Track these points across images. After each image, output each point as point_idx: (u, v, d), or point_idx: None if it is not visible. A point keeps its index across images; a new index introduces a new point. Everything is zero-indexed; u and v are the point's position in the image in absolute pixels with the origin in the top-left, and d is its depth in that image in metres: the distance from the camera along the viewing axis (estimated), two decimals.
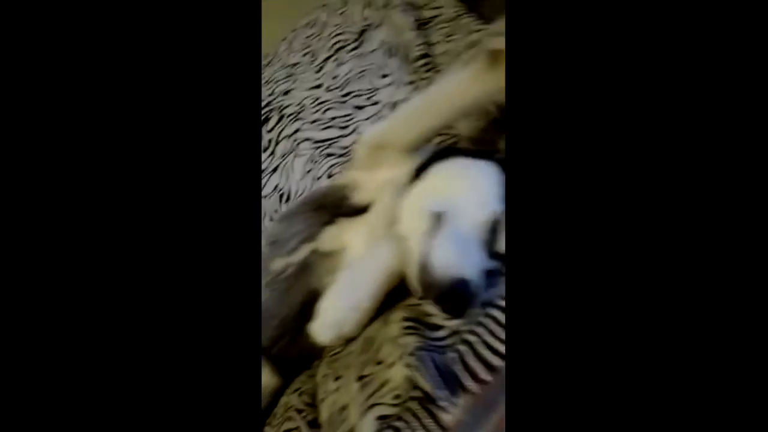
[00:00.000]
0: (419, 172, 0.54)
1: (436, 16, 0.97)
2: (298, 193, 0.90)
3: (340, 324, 0.47)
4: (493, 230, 0.45)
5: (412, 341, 0.43)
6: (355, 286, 0.49)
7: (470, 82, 0.54)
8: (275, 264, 0.62)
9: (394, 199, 0.55)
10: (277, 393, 0.64)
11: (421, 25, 0.96)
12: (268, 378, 0.62)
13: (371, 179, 0.61)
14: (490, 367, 0.39)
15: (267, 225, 0.87)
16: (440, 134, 0.67)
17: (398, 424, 0.40)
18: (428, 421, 0.38)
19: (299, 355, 0.62)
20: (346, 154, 0.87)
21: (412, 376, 0.40)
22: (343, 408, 0.47)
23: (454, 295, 0.40)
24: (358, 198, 0.61)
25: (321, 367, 0.59)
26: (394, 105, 0.87)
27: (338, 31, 1.11)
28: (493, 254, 0.44)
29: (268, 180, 0.97)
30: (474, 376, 0.39)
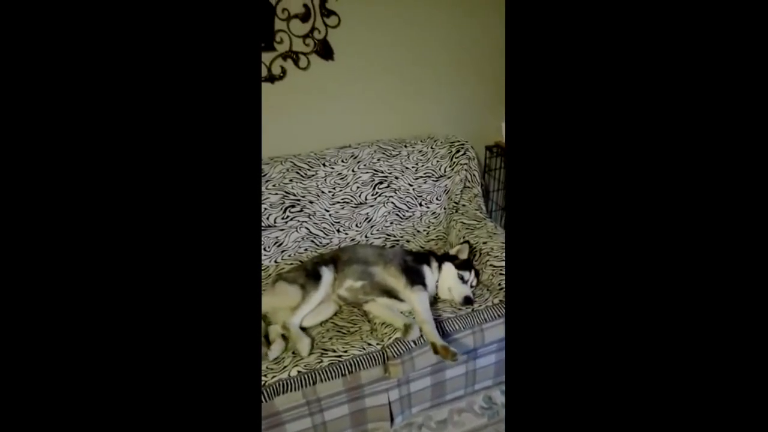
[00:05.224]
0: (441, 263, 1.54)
1: None
2: None
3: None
4: (472, 284, 1.48)
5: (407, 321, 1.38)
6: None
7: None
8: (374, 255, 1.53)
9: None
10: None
11: None
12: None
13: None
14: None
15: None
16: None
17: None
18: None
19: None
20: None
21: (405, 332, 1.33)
22: (385, 323, 1.37)
23: (469, 301, 1.40)
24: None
25: (368, 304, 1.47)
26: None
27: None
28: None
29: None
30: None
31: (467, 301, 1.39)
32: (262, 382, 1.18)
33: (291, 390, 1.19)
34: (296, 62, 1.71)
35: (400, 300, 1.41)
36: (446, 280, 1.46)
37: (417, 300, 1.33)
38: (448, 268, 1.48)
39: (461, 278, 1.45)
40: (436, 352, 1.21)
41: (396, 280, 1.44)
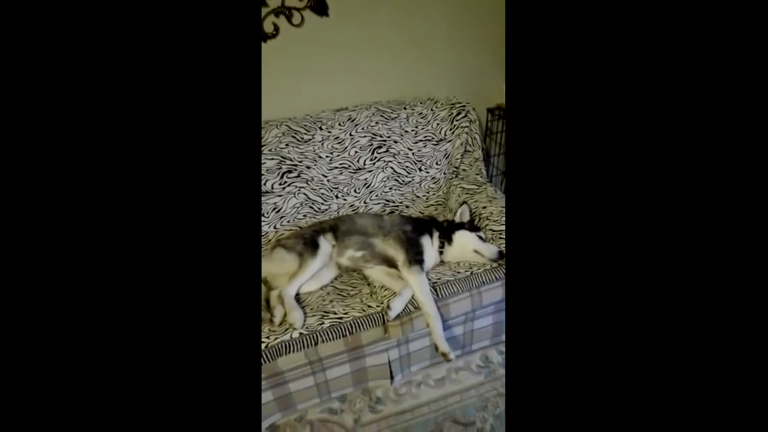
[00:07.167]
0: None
1: None
2: None
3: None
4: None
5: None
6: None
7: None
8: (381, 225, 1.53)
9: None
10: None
11: None
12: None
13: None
14: None
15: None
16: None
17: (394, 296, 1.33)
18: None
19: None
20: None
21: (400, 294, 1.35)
22: (384, 286, 1.39)
23: (502, 255, 1.41)
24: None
25: (368, 270, 1.49)
26: None
27: None
28: None
29: None
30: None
31: (501, 255, 1.40)
32: (265, 344, 1.21)
33: (293, 351, 1.22)
34: (289, 18, 1.62)
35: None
36: (468, 245, 1.45)
37: (417, 286, 1.31)
38: (464, 234, 1.47)
39: (481, 239, 1.47)
40: (436, 350, 1.30)
41: (396, 252, 1.45)
